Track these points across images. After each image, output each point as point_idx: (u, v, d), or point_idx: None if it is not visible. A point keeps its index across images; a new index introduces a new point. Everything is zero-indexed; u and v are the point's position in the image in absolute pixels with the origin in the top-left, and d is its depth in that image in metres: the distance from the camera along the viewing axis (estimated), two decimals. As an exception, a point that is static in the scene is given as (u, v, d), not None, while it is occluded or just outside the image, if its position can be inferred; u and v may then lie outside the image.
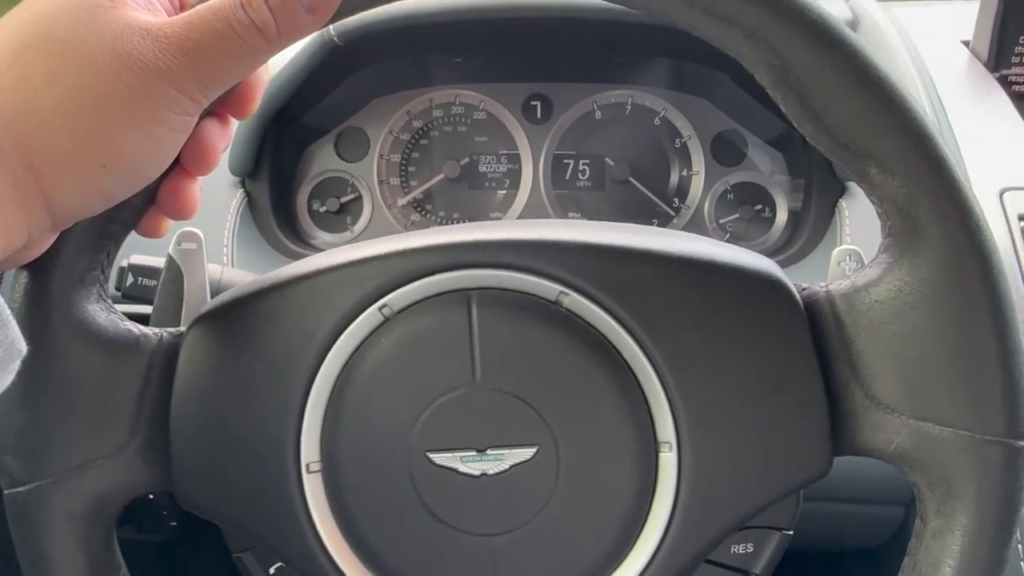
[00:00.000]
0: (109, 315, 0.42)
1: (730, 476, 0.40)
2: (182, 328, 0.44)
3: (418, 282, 0.41)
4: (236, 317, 0.43)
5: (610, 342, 0.41)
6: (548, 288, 0.41)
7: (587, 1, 0.76)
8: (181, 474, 0.42)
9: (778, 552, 0.48)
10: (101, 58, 0.34)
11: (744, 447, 0.40)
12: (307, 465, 0.42)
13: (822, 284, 0.42)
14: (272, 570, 0.48)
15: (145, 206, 0.41)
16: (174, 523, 0.85)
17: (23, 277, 0.39)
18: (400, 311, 0.41)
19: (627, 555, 0.42)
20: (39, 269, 0.39)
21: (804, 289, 0.42)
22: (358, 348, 0.41)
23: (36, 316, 0.39)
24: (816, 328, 0.40)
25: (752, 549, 0.47)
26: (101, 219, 0.39)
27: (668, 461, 0.40)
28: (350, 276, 0.42)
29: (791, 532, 0.47)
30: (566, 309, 0.41)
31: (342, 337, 0.41)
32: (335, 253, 0.43)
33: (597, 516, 0.41)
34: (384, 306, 0.41)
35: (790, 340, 0.40)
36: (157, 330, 0.44)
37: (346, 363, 0.41)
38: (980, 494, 0.37)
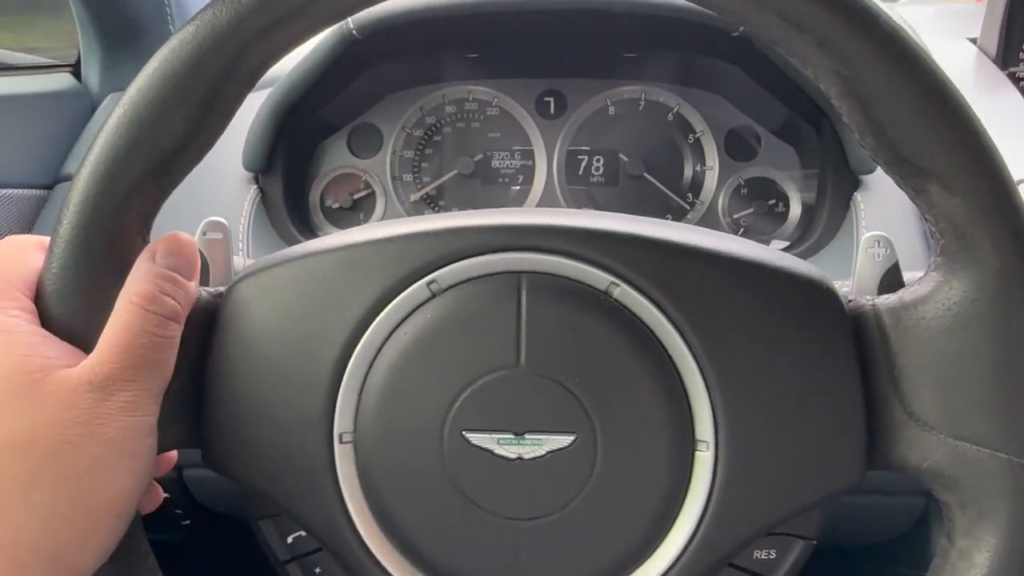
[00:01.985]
0: None
1: (763, 480, 0.40)
2: (222, 288, 0.44)
3: (469, 260, 0.41)
4: (278, 280, 0.42)
5: (656, 337, 0.41)
6: (599, 277, 0.41)
7: None
8: (211, 435, 0.42)
9: (800, 561, 0.47)
10: (64, 441, 0.37)
11: (780, 452, 0.40)
12: (340, 435, 0.41)
13: (869, 298, 0.42)
14: (290, 539, 0.48)
15: (192, 156, 0.40)
16: (187, 522, 0.85)
17: (72, 219, 0.38)
18: (448, 288, 0.41)
19: (653, 552, 0.41)
20: (88, 214, 0.38)
21: (851, 301, 0.42)
22: (402, 321, 0.41)
23: (82, 263, 0.39)
24: (861, 340, 0.40)
25: (775, 556, 0.47)
26: (150, 171, 0.39)
27: (704, 460, 0.40)
28: (400, 248, 0.41)
29: (815, 541, 0.47)
30: (615, 300, 0.41)
31: (387, 309, 0.41)
32: (384, 226, 0.43)
33: (628, 510, 0.41)
34: (433, 281, 0.41)
35: (834, 350, 0.40)
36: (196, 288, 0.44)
37: (389, 335, 0.41)
38: (1013, 517, 0.37)
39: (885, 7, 0.92)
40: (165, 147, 0.38)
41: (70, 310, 0.39)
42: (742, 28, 0.74)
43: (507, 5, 0.76)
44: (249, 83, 0.40)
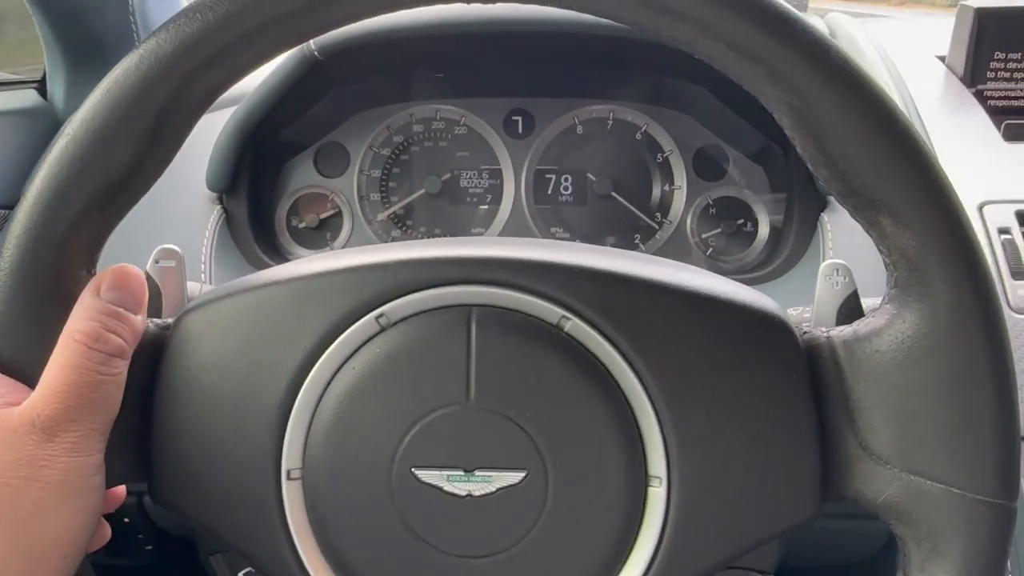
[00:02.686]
0: None
1: (717, 515, 0.40)
2: (169, 320, 0.43)
3: (419, 294, 0.40)
4: (226, 313, 0.42)
5: (609, 371, 0.40)
6: (550, 311, 0.40)
7: (573, 17, 0.76)
8: (158, 470, 0.41)
9: None
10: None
11: (734, 487, 0.40)
12: (288, 471, 0.41)
13: (824, 329, 0.41)
14: (241, 575, 0.47)
15: (141, 185, 0.39)
16: (149, 547, 0.83)
17: (13, 251, 0.38)
18: (397, 321, 0.41)
19: None
20: (30, 246, 0.38)
21: (805, 333, 0.41)
22: (351, 356, 0.41)
23: (24, 296, 0.38)
24: (815, 373, 0.40)
25: None
26: (96, 202, 0.38)
27: (657, 496, 0.40)
28: (349, 281, 0.41)
29: (771, 575, 0.47)
30: (567, 334, 0.40)
31: (335, 343, 0.40)
32: (332, 257, 0.42)
33: (580, 547, 0.40)
34: (381, 315, 0.40)
35: (788, 383, 0.40)
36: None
37: (337, 370, 0.41)
38: (966, 553, 0.37)
39: (855, 23, 0.92)
40: (111, 178, 0.38)
41: (13, 344, 0.38)
42: None
43: (468, 27, 0.76)
44: (198, 111, 0.39)
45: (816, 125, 0.36)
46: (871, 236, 0.38)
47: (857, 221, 0.39)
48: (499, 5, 0.43)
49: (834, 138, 0.36)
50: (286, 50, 0.39)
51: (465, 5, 0.40)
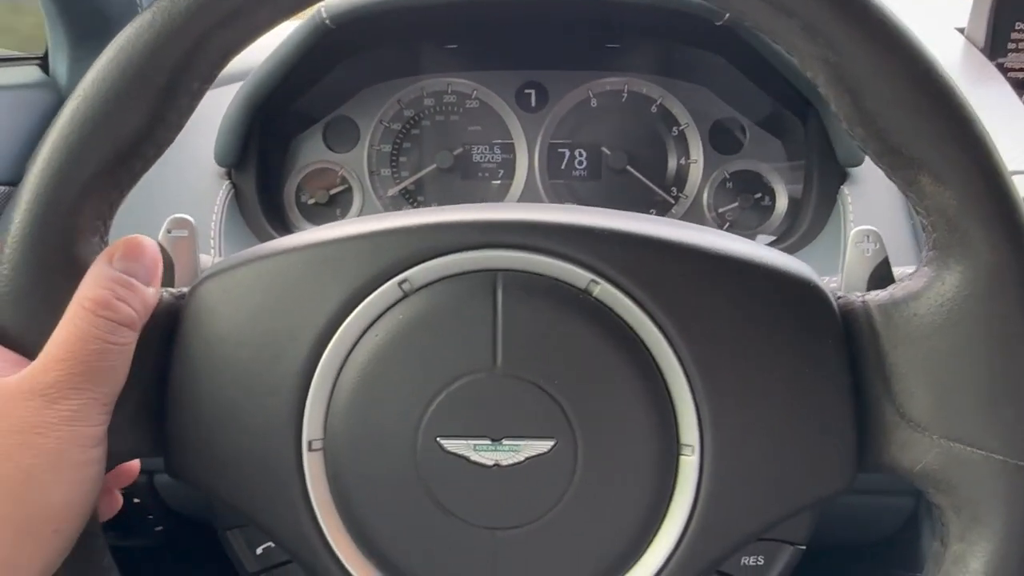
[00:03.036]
0: None
1: (751, 485, 0.39)
2: (184, 289, 0.42)
3: (442, 258, 0.39)
4: (243, 280, 0.40)
5: (639, 337, 0.39)
6: (579, 275, 0.39)
7: None
8: (174, 443, 0.40)
9: (789, 567, 0.47)
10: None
11: (768, 456, 0.39)
12: (309, 442, 0.40)
13: (859, 294, 0.40)
14: (259, 550, 0.47)
15: (152, 150, 0.39)
16: (160, 528, 0.83)
17: (23, 216, 0.37)
18: (421, 287, 0.39)
19: (637, 561, 0.40)
20: (40, 211, 0.37)
21: (840, 298, 0.40)
22: (373, 323, 0.39)
23: (34, 264, 0.37)
24: (851, 338, 0.39)
25: (763, 562, 0.46)
26: (108, 166, 0.37)
27: (689, 465, 0.39)
28: (370, 246, 0.40)
29: (804, 547, 0.46)
30: (596, 299, 0.39)
31: (357, 309, 0.39)
32: (353, 223, 0.41)
33: (610, 518, 0.39)
34: (404, 281, 0.39)
35: (823, 350, 0.39)
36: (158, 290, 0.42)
37: (359, 337, 0.39)
38: (1008, 521, 0.36)
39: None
40: (122, 142, 0.37)
41: (21, 317, 0.37)
42: (727, 16, 0.73)
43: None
44: (211, 74, 0.38)
45: (852, 81, 0.35)
46: (908, 197, 0.37)
47: (894, 181, 0.38)
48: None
49: (871, 95, 0.35)
50: (300, 10, 0.39)
51: None
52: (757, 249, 0.41)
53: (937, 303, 0.37)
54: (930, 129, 0.35)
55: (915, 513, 0.70)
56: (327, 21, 0.74)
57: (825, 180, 0.78)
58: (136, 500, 0.76)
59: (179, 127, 0.39)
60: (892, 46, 0.34)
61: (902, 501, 0.70)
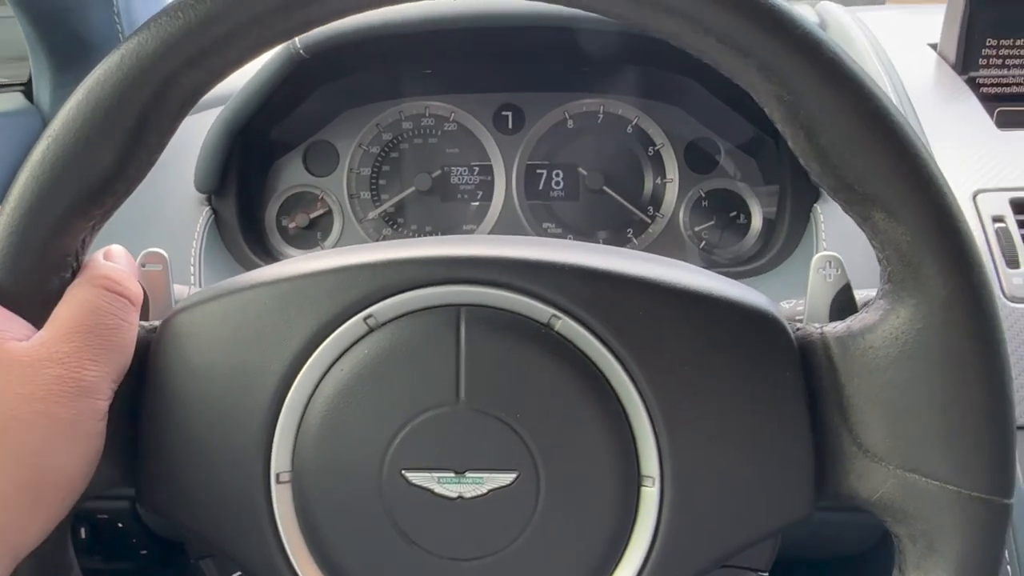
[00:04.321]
0: None
1: (711, 515, 0.39)
2: (156, 323, 0.43)
3: (407, 294, 0.40)
4: (213, 315, 0.41)
5: (600, 370, 0.40)
6: (540, 310, 0.40)
7: (560, 11, 0.75)
8: (144, 475, 0.41)
9: None
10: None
11: (728, 486, 0.39)
12: (277, 475, 0.40)
13: (817, 325, 0.41)
14: None
15: (123, 187, 0.39)
16: (144, 551, 0.83)
17: None
18: (386, 322, 0.40)
19: None
20: (12, 252, 0.37)
21: (799, 329, 0.41)
22: (339, 357, 0.40)
23: (6, 300, 0.37)
24: (808, 370, 0.40)
25: None
26: (78, 205, 0.38)
27: (650, 496, 0.40)
28: (336, 282, 0.40)
29: (766, 573, 0.46)
30: (557, 333, 0.40)
31: (323, 345, 0.40)
32: (320, 257, 0.42)
33: (572, 549, 0.40)
34: (370, 316, 0.40)
35: (782, 381, 0.39)
36: None
37: (325, 372, 0.40)
38: (962, 550, 0.37)
39: (846, 12, 0.92)
40: (93, 180, 0.37)
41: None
42: None
43: (459, 21, 0.75)
44: (181, 112, 0.39)
45: (807, 119, 0.36)
46: (864, 231, 0.38)
47: (850, 216, 0.38)
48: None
49: (825, 132, 0.36)
50: (269, 49, 0.39)
51: (450, 1, 0.40)
52: (717, 282, 0.41)
53: (892, 336, 0.38)
54: (882, 167, 0.35)
55: (887, 530, 0.71)
56: (301, 51, 0.75)
57: (798, 199, 0.78)
58: (120, 525, 0.77)
59: (150, 164, 0.39)
60: (844, 86, 0.35)
61: (874, 518, 0.70)
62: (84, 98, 0.37)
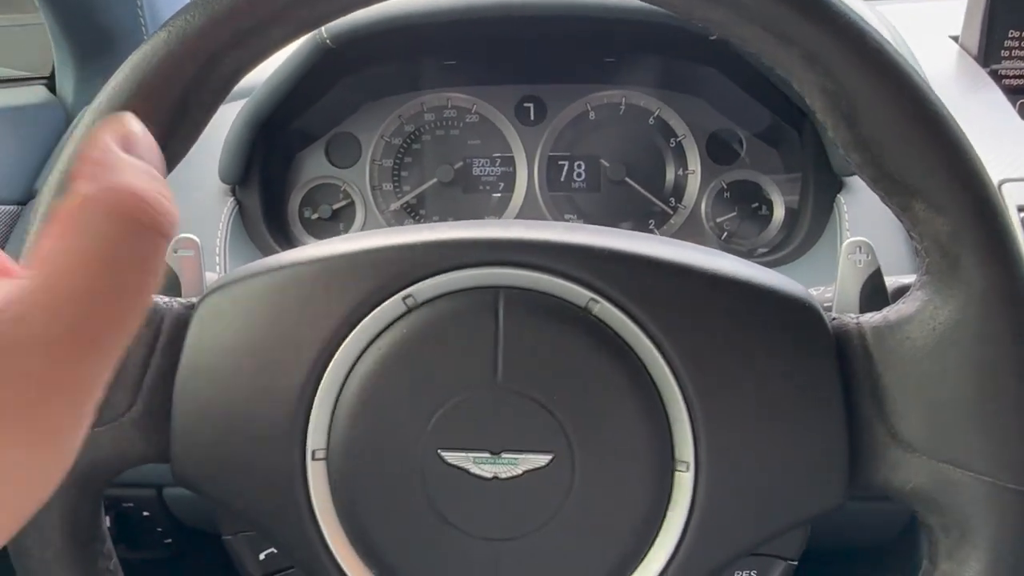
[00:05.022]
0: None
1: (745, 501, 0.40)
2: (194, 299, 0.43)
3: (446, 275, 0.40)
4: (251, 292, 0.41)
5: (636, 355, 0.40)
6: (578, 293, 0.40)
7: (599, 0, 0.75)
8: (180, 450, 0.41)
9: None
10: None
11: (762, 474, 0.39)
12: (313, 452, 0.41)
13: (853, 315, 0.41)
14: (262, 556, 0.47)
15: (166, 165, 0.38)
16: (169, 540, 0.84)
17: (33, 237, 0.38)
18: (424, 302, 0.40)
19: (632, 573, 0.41)
20: None
21: (835, 319, 0.41)
22: (377, 336, 0.40)
23: None
24: (844, 360, 0.40)
25: None
26: None
27: (684, 481, 0.40)
28: (376, 261, 0.40)
29: (796, 562, 0.46)
30: (595, 317, 0.40)
31: (362, 323, 0.40)
32: (359, 238, 0.42)
33: (606, 531, 0.40)
34: (408, 296, 0.40)
35: (817, 370, 0.39)
36: (168, 299, 0.43)
37: (363, 350, 0.40)
38: (996, 541, 0.37)
39: (868, 6, 0.92)
40: None
41: None
42: None
43: (482, 11, 0.75)
44: (223, 91, 0.39)
45: (849, 109, 0.36)
46: (903, 222, 0.38)
47: (889, 206, 0.38)
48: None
49: (867, 122, 0.36)
50: (311, 30, 0.40)
51: None
52: (753, 269, 0.41)
53: (929, 327, 0.38)
54: (925, 158, 0.35)
55: (912, 520, 0.71)
56: (327, 40, 0.75)
57: (821, 190, 0.78)
58: (146, 513, 0.77)
59: (191, 142, 0.40)
60: (888, 75, 0.35)
61: (899, 507, 0.70)
62: (130, 73, 0.37)
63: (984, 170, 0.36)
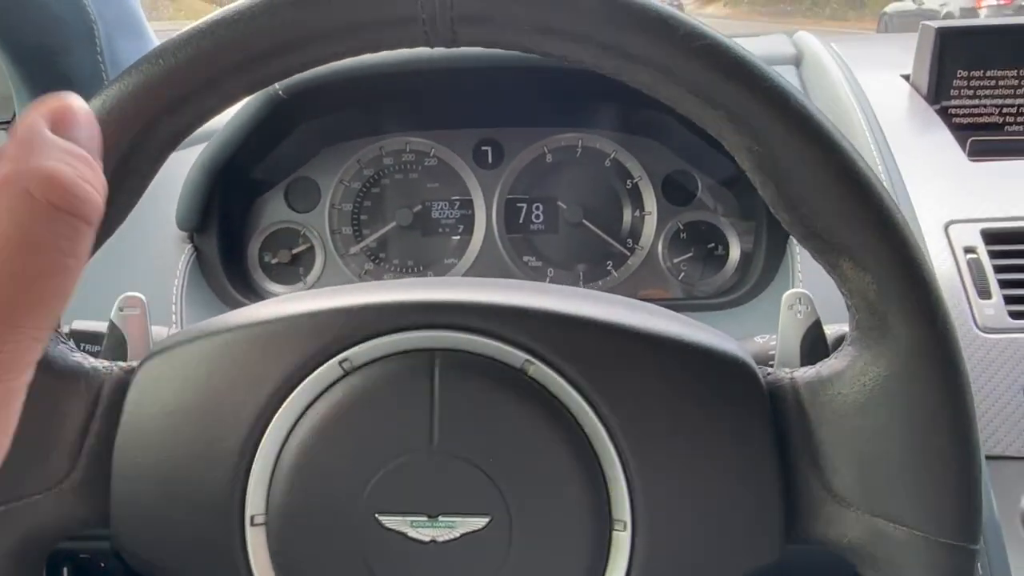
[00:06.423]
0: (58, 344, 0.41)
1: (682, 559, 0.40)
2: (133, 363, 0.43)
3: (382, 338, 0.40)
4: (188, 357, 0.41)
5: (573, 415, 0.40)
6: (514, 355, 0.40)
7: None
8: (119, 516, 0.41)
9: None
10: None
11: (698, 531, 0.40)
12: (251, 517, 0.40)
13: (788, 370, 0.42)
14: None
15: (104, 230, 0.38)
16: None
17: None
18: (361, 366, 0.41)
19: None
20: None
21: (769, 374, 0.41)
22: (315, 400, 0.40)
23: None
24: (778, 415, 0.40)
25: None
26: None
27: (622, 540, 0.40)
28: (312, 325, 0.41)
29: None
30: (530, 378, 0.40)
31: (299, 388, 0.40)
32: (296, 300, 0.42)
33: None
34: (345, 360, 0.40)
35: (751, 427, 0.40)
36: (108, 364, 0.43)
37: (301, 415, 0.40)
38: None
39: (821, 44, 0.93)
40: None
41: None
42: None
43: (434, 63, 0.76)
44: (161, 156, 0.40)
45: (776, 169, 0.36)
46: (833, 279, 0.39)
47: (819, 263, 0.39)
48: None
49: (794, 183, 0.36)
50: (249, 95, 0.40)
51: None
52: (687, 327, 0.42)
53: (860, 383, 0.38)
54: (850, 217, 0.36)
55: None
56: (280, 92, 0.76)
57: (774, 233, 0.79)
58: (102, 564, 0.76)
59: (129, 207, 0.40)
60: (812, 137, 0.36)
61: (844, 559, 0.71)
62: None
63: (908, 229, 0.36)
